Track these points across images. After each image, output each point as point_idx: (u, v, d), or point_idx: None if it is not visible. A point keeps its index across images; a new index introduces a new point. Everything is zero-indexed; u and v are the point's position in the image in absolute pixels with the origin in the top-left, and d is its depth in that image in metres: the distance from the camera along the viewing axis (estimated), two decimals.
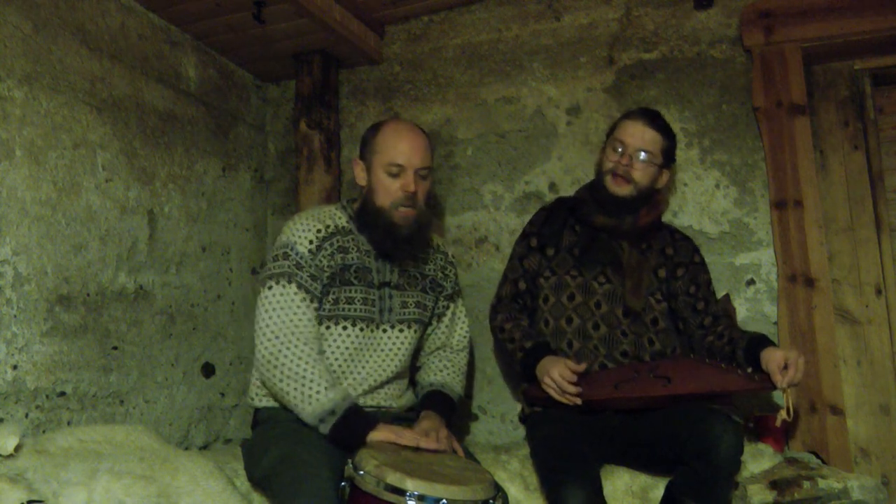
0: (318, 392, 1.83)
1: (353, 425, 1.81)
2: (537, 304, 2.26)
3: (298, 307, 1.94)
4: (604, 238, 2.22)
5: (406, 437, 1.79)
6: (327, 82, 2.88)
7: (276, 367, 1.88)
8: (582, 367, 2.00)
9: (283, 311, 1.93)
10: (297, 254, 1.98)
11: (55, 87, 2.11)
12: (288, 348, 1.88)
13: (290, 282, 1.95)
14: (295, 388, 1.85)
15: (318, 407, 1.82)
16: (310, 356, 1.88)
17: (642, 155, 2.16)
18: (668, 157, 2.22)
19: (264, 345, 1.92)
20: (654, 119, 2.21)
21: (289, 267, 1.97)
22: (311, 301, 1.97)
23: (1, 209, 1.93)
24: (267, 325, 1.92)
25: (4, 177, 1.94)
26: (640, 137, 2.16)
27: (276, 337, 1.90)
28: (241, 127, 2.92)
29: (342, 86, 3.01)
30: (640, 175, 2.16)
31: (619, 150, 2.17)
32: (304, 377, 1.85)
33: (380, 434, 1.79)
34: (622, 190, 2.17)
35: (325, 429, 1.82)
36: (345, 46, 2.82)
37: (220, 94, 2.81)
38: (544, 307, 2.24)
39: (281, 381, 1.87)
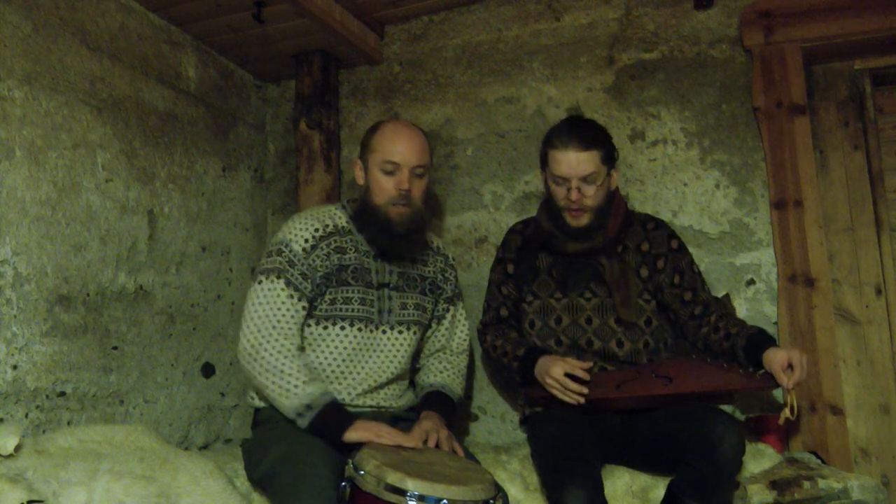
0: (295, 386, 1.84)
1: (330, 422, 1.82)
2: (523, 328, 2.24)
3: (284, 303, 1.95)
4: (581, 260, 2.18)
5: (385, 435, 1.79)
6: (327, 82, 2.88)
7: (255, 360, 1.90)
8: (588, 364, 2.00)
9: (267, 306, 1.94)
10: (290, 251, 1.99)
11: (55, 87, 2.11)
12: (268, 342, 1.90)
13: (279, 277, 1.96)
14: (273, 382, 1.86)
15: (295, 401, 1.84)
16: (289, 350, 1.89)
17: (588, 180, 2.08)
18: (610, 162, 2.13)
19: (246, 337, 1.93)
20: (581, 138, 2.08)
21: (280, 263, 1.98)
22: (299, 299, 1.97)
23: (1, 209, 1.93)
24: (251, 319, 1.94)
25: (4, 177, 1.94)
26: (576, 167, 2.07)
27: (259, 330, 1.92)
28: (241, 127, 2.92)
29: (342, 86, 3.01)
30: (593, 199, 2.10)
31: (563, 185, 2.10)
32: (282, 371, 1.86)
33: (357, 433, 1.79)
34: (582, 221, 2.12)
35: (302, 423, 1.83)
36: (345, 46, 2.82)
37: (220, 94, 2.81)
38: (531, 331, 2.21)
39: (260, 374, 1.89)
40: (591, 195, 2.10)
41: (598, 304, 2.16)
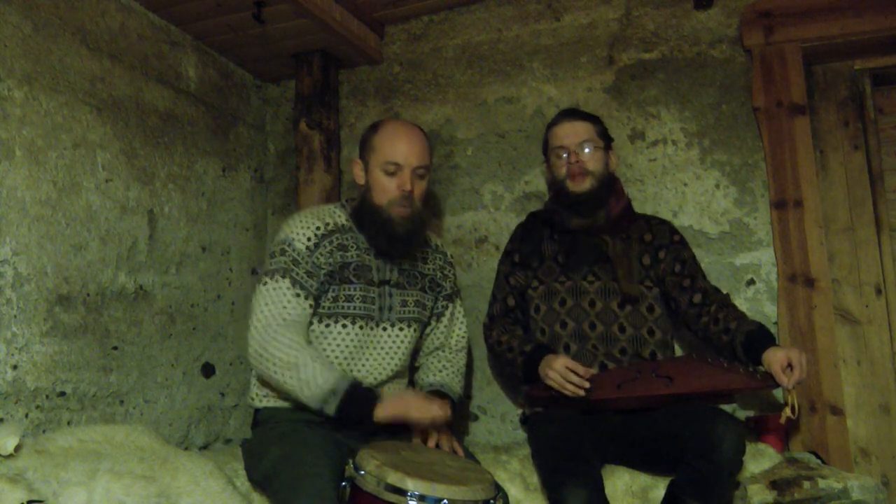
0: (314, 375, 1.83)
1: (357, 402, 1.82)
2: (529, 316, 2.27)
3: (289, 301, 1.94)
4: (584, 238, 2.24)
5: (414, 410, 1.80)
6: (327, 82, 2.88)
7: (266, 358, 1.88)
8: (589, 372, 2.01)
9: (273, 305, 1.93)
10: (294, 250, 1.99)
11: (55, 87, 2.11)
12: (275, 338, 1.89)
13: (283, 277, 1.96)
14: (291, 376, 1.85)
15: (316, 389, 1.82)
16: (297, 342, 1.88)
17: (586, 147, 2.21)
18: (606, 138, 2.28)
19: (253, 338, 1.93)
20: (575, 113, 2.29)
21: (284, 263, 1.97)
22: (306, 297, 1.97)
23: (1, 209, 1.93)
24: (257, 319, 1.93)
25: (4, 177, 1.94)
26: (574, 133, 2.22)
27: (265, 329, 1.91)
28: (241, 127, 2.92)
29: (342, 86, 3.01)
30: (594, 164, 2.21)
31: (564, 155, 2.22)
32: (296, 363, 1.85)
33: (387, 409, 1.80)
34: (584, 185, 2.19)
35: (330, 409, 1.82)
36: (345, 46, 2.82)
37: (220, 94, 2.81)
38: (536, 317, 2.24)
39: (275, 371, 1.87)
40: (589, 159, 2.21)
41: (601, 286, 2.20)
